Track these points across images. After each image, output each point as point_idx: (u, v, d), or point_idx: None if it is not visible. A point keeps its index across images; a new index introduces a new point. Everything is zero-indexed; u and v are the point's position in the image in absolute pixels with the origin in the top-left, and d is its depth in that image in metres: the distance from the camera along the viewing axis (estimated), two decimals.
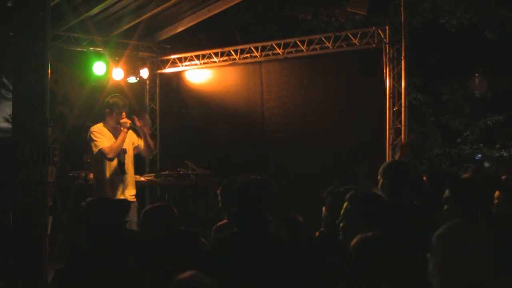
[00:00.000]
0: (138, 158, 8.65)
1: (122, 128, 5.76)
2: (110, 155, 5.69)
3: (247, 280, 2.68)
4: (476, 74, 11.77)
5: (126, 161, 5.89)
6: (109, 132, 5.81)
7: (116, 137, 5.78)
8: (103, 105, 5.97)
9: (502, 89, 11.65)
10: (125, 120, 5.78)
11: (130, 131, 5.89)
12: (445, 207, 3.53)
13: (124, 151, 5.87)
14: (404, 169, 3.57)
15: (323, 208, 3.46)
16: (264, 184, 3.12)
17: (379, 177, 3.55)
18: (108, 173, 5.75)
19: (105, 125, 5.86)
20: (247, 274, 2.70)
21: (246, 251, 2.83)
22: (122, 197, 5.69)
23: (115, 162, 5.78)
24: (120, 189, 5.80)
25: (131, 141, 5.97)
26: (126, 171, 5.89)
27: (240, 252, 2.83)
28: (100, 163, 5.78)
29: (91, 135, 5.74)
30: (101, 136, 5.72)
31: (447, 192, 3.51)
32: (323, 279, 2.69)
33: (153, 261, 2.95)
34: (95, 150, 5.71)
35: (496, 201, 3.45)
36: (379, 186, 3.59)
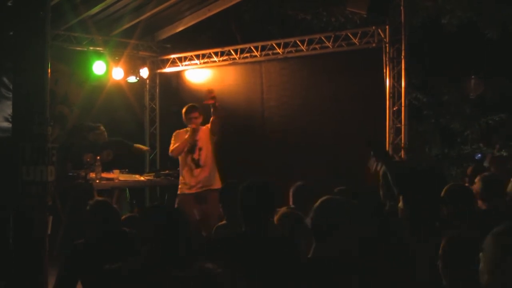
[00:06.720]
0: (138, 157, 8.73)
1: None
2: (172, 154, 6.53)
3: (246, 281, 2.68)
4: (472, 76, 11.73)
5: (201, 157, 6.45)
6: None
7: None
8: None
9: (503, 88, 11.62)
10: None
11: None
12: None
13: (199, 148, 6.45)
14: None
15: None
16: (273, 186, 3.10)
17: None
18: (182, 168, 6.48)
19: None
20: (246, 276, 2.69)
21: (246, 252, 2.82)
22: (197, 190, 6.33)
23: (189, 158, 6.44)
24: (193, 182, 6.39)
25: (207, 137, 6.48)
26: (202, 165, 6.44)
27: (240, 253, 2.82)
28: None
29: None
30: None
31: None
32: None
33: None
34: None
35: None
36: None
